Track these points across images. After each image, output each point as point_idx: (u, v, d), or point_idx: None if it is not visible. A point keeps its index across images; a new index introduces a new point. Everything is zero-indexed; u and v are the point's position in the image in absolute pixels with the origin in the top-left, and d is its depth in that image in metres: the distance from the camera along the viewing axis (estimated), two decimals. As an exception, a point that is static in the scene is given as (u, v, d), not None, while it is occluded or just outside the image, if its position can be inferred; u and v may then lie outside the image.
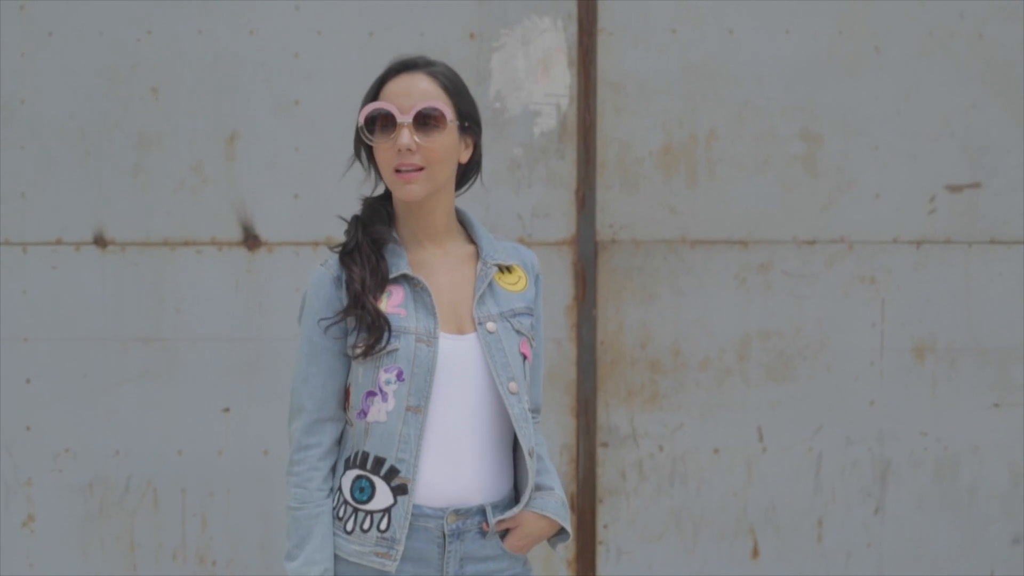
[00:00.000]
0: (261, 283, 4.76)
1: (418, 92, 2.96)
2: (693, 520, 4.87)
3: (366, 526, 2.94)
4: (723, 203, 4.81)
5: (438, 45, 4.71)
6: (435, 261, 3.04)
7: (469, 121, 3.01)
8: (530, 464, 3.01)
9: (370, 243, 3.00)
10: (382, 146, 2.95)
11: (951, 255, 4.88)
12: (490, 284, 3.05)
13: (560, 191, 4.77)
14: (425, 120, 2.94)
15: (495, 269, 3.05)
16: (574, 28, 4.75)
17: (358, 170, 4.71)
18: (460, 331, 2.99)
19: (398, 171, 2.94)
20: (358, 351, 2.93)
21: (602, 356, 4.82)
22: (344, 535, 2.97)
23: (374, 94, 3.01)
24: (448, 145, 2.96)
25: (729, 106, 4.79)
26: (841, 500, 4.90)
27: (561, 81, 4.75)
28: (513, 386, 2.98)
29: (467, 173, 3.11)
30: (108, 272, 4.75)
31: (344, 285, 2.96)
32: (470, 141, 3.04)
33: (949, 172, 4.86)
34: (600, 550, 4.85)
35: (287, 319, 4.76)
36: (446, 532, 2.96)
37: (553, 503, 3.05)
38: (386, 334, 2.92)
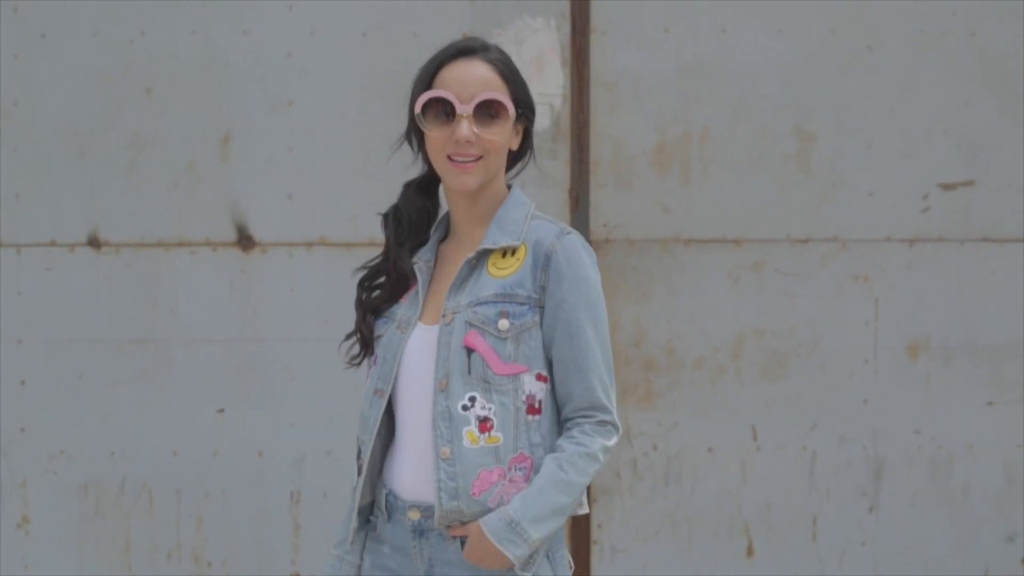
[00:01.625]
0: (255, 284, 4.76)
1: (477, 80, 2.87)
2: (687, 519, 4.87)
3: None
4: (717, 202, 4.81)
5: (432, 44, 4.68)
6: (456, 249, 2.96)
7: (523, 108, 2.92)
8: (438, 467, 2.82)
9: (397, 251, 2.99)
10: (437, 134, 2.87)
11: (944, 253, 4.89)
12: (478, 271, 2.90)
13: (554, 190, 4.77)
14: (485, 111, 2.86)
15: (471, 256, 2.88)
16: (567, 28, 4.75)
17: (353, 168, 4.72)
18: (434, 321, 2.89)
19: (452, 159, 2.87)
20: (354, 361, 2.99)
21: (596, 355, 4.81)
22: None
23: (429, 79, 2.91)
24: (506, 135, 2.88)
25: (722, 105, 4.80)
26: (835, 499, 4.90)
27: (554, 80, 4.75)
28: (443, 382, 2.83)
29: (516, 158, 3.00)
30: (102, 273, 4.75)
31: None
32: (521, 128, 2.94)
33: (942, 170, 4.87)
34: (594, 549, 4.85)
35: (281, 320, 4.76)
36: (410, 528, 2.88)
37: (496, 520, 2.80)
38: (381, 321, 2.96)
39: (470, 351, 2.84)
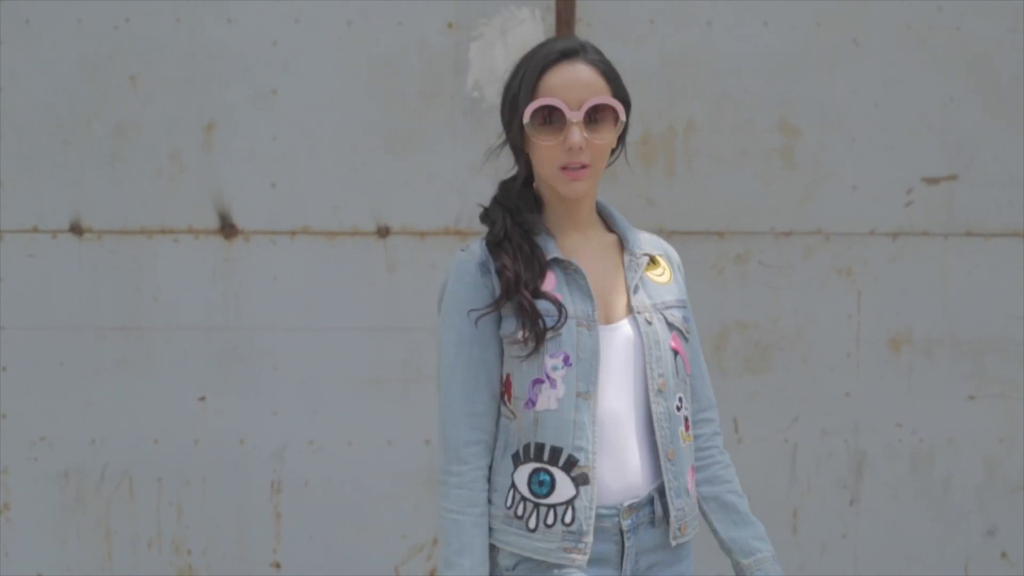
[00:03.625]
0: (238, 272, 4.75)
1: (583, 85, 2.81)
2: (669, 511, 4.87)
3: (550, 521, 2.79)
4: (701, 195, 4.82)
5: (416, 35, 4.71)
6: (581, 248, 2.90)
7: (625, 105, 2.87)
8: (666, 468, 2.84)
9: (521, 232, 2.88)
10: (547, 143, 2.80)
11: (928, 247, 4.89)
12: (639, 274, 2.91)
13: (538, 182, 4.77)
14: (594, 116, 2.81)
15: (646, 260, 2.93)
16: (552, 19, 4.74)
17: (336, 157, 4.71)
18: (608, 320, 2.85)
19: (565, 169, 2.80)
20: (530, 345, 2.80)
21: (579, 347, 4.81)
22: (527, 533, 2.80)
23: (532, 85, 2.82)
24: (610, 139, 2.84)
25: (707, 98, 4.80)
26: (816, 491, 4.91)
27: (539, 72, 4.74)
28: (662, 383, 2.84)
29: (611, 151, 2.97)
30: (85, 260, 4.74)
31: (492, 272, 2.83)
32: (620, 126, 2.88)
33: (926, 164, 4.87)
34: (576, 540, 4.85)
35: (264, 308, 4.76)
36: (624, 529, 2.83)
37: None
38: (558, 318, 2.81)
39: (675, 353, 2.89)
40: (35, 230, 4.73)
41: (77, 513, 4.79)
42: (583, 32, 4.73)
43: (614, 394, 2.84)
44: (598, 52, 2.88)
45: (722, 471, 3.04)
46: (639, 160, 4.79)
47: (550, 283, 2.85)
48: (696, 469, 3.00)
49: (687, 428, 2.90)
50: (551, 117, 2.80)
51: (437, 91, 4.74)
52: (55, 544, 4.79)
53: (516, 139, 2.87)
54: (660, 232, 4.80)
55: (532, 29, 4.72)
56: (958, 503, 4.95)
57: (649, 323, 2.86)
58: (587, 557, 2.79)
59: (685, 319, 2.94)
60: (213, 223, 4.75)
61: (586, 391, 2.80)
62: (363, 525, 4.82)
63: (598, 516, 2.81)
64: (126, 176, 4.72)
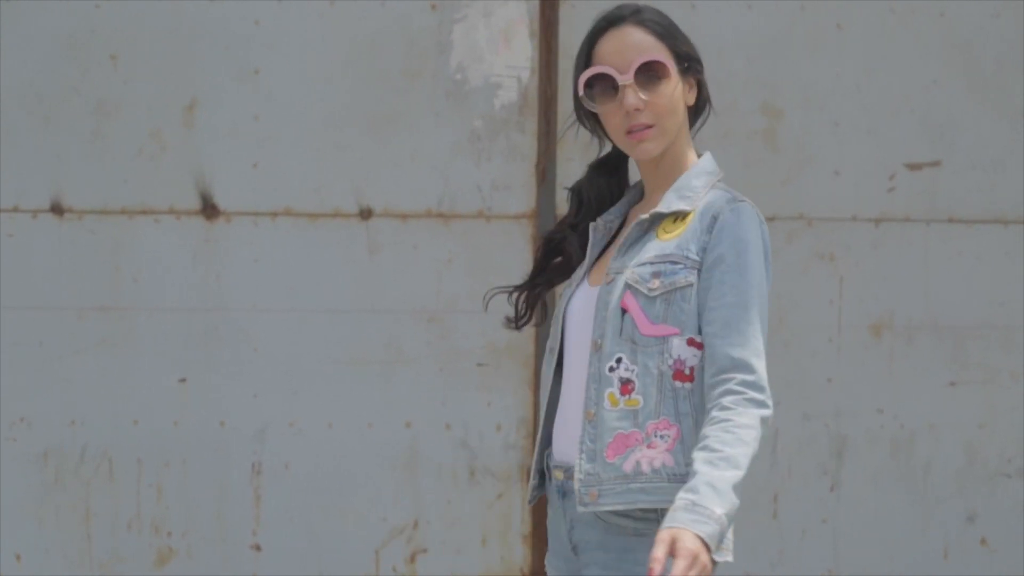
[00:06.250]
0: (219, 253, 4.74)
1: (632, 46, 2.81)
2: (650, 495, 4.87)
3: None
4: (683, 178, 4.81)
5: (399, 15, 4.69)
6: (639, 213, 2.90)
7: (689, 61, 2.86)
8: (584, 429, 2.76)
9: (565, 234, 2.98)
10: (608, 110, 2.82)
11: (910, 233, 4.90)
12: (648, 235, 2.83)
13: (520, 164, 4.76)
14: (647, 75, 2.80)
15: (647, 220, 2.82)
16: (536, 1, 4.74)
17: (319, 137, 4.70)
18: (597, 282, 2.86)
19: (629, 132, 2.81)
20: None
21: (561, 330, 4.81)
22: None
23: (586, 57, 2.86)
24: (675, 94, 2.83)
25: (690, 80, 4.79)
26: (797, 476, 4.91)
27: (522, 53, 4.73)
28: (596, 343, 2.79)
29: (697, 112, 2.95)
30: (65, 240, 4.72)
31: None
32: (693, 81, 2.88)
33: (909, 150, 4.87)
34: (556, 524, 4.85)
35: (245, 290, 4.74)
36: (555, 488, 2.87)
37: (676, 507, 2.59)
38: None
39: (624, 312, 2.78)
40: (15, 209, 4.71)
41: (56, 494, 4.77)
42: (567, 12, 4.71)
43: (574, 355, 2.85)
44: (655, 12, 2.87)
45: (707, 426, 2.68)
46: (622, 143, 4.78)
47: (595, 252, 2.94)
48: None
49: (625, 392, 2.76)
50: (607, 85, 2.82)
51: (420, 72, 4.73)
52: (34, 525, 4.78)
53: (581, 116, 2.92)
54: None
55: (515, 10, 4.71)
56: (938, 489, 4.95)
57: (607, 284, 2.81)
58: (529, 497, 2.97)
59: (659, 274, 2.76)
60: (195, 204, 4.74)
61: (552, 347, 2.89)
62: (344, 507, 4.81)
63: (550, 468, 2.90)
64: (107, 155, 4.70)
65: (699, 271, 2.78)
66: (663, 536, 2.53)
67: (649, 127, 2.81)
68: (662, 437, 2.74)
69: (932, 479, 4.95)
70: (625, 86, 2.79)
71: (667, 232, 2.81)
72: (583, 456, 2.77)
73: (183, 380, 4.76)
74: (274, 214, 4.74)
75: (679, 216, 2.82)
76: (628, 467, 2.74)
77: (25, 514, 4.77)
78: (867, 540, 4.93)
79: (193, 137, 4.71)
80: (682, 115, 2.86)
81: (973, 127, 4.87)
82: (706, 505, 2.60)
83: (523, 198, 4.78)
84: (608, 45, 2.84)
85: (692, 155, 2.92)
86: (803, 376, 4.88)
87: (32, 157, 4.69)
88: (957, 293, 4.91)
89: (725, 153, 4.78)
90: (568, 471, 2.81)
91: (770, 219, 4.79)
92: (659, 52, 2.81)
